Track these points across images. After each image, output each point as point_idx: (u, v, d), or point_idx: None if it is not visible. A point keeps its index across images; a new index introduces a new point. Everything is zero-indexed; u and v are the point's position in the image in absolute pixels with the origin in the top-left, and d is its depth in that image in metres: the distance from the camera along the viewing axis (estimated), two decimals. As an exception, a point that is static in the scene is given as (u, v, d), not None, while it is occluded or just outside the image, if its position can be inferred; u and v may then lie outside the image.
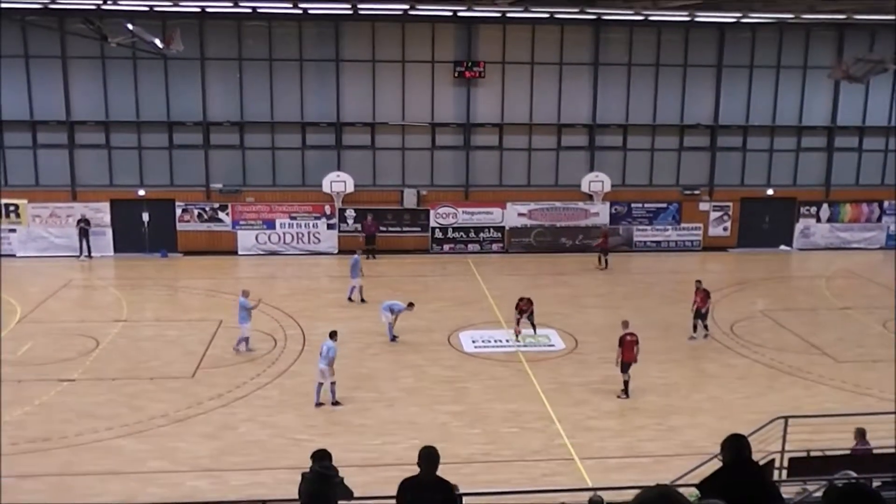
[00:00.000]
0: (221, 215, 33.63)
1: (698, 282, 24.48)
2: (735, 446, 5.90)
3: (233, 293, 27.42)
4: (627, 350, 19.64)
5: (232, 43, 32.67)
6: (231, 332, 22.83)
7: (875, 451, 13.97)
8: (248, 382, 20.15)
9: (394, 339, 23.23)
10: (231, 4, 29.40)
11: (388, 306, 23.50)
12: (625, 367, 19.62)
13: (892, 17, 27.79)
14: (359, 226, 33.82)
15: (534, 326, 23.70)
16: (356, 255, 27.87)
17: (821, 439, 13.75)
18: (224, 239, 33.57)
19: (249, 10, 30.99)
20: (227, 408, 18.75)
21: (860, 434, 13.95)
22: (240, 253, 33.56)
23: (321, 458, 11.83)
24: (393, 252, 33.39)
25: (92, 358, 21.71)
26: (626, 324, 20.16)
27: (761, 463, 13.83)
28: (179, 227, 33.54)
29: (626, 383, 19.60)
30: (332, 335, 19.29)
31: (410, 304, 23.61)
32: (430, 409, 18.78)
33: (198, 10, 30.77)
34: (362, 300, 27.17)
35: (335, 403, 18.85)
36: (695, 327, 24.02)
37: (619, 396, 19.63)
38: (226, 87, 33.06)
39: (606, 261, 32.21)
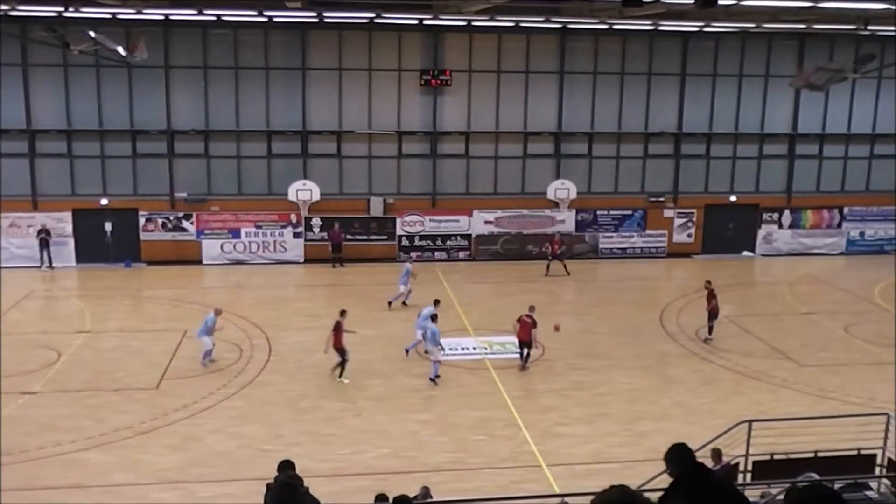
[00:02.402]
0: (186, 224, 33.33)
1: (708, 282, 25.09)
2: (680, 456, 5.61)
3: (198, 303, 27.24)
4: (522, 329, 21.62)
5: (197, 51, 32.45)
6: (197, 342, 22.56)
7: (838, 455, 14.14)
8: (213, 393, 19.96)
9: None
10: (195, 12, 29.20)
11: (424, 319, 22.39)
12: (521, 345, 21.84)
13: (851, 27, 28.30)
14: (325, 234, 33.68)
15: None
16: (408, 263, 28.89)
17: (785, 443, 13.92)
18: (189, 248, 33.26)
19: (214, 18, 30.81)
20: (193, 419, 18.55)
21: (716, 455, 13.77)
22: (205, 262, 33.26)
23: (286, 468, 11.80)
24: (360, 261, 33.29)
25: (54, 370, 21.39)
26: (531, 308, 22.12)
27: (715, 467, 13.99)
28: (143, 236, 33.18)
29: (524, 356, 21.94)
30: (433, 318, 21.86)
31: (436, 302, 23.71)
32: (399, 418, 18.74)
33: (162, 17, 30.54)
34: (404, 303, 27.57)
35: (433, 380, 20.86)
36: (710, 329, 24.51)
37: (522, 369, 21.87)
38: (191, 95, 32.82)
39: (565, 266, 32.19)
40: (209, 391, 20.04)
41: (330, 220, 33.77)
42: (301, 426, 18.28)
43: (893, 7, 19.79)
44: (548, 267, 32.27)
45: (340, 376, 20.71)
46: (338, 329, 20.86)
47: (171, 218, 33.23)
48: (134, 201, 33.00)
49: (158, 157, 33.00)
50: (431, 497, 13.37)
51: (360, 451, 16.91)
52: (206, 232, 33.45)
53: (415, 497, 13.25)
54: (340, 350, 20.82)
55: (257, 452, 16.69)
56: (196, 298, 28.10)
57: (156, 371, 21.31)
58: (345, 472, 16.04)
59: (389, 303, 27.35)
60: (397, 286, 27.57)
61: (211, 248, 33.45)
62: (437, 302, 23.58)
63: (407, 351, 23.02)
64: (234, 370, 21.57)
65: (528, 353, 22.14)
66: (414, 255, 29.65)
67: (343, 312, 21.28)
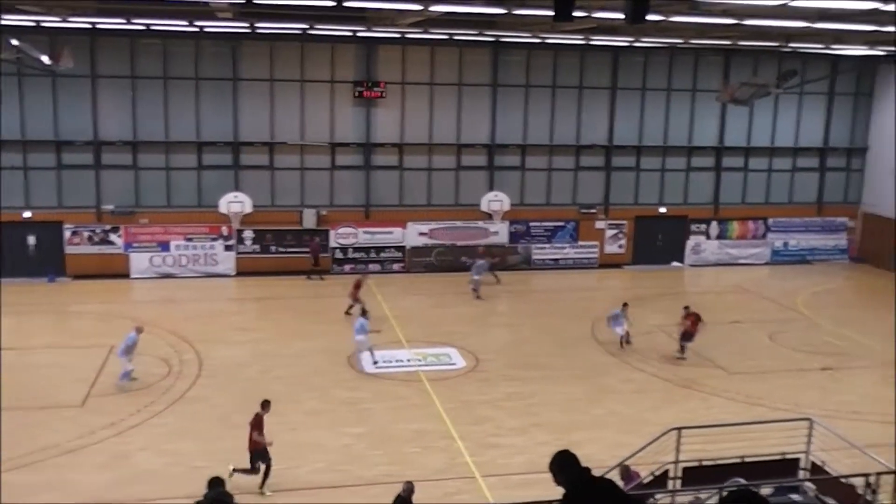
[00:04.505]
0: (113, 237, 32.58)
1: (686, 307, 24.75)
2: (567, 464, 5.53)
3: (126, 318, 26.61)
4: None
5: (125, 60, 31.82)
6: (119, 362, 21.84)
7: (764, 459, 14.47)
8: (142, 410, 19.52)
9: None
10: (123, 21, 28.62)
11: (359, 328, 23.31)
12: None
13: (773, 44, 29.13)
14: (257, 247, 33.28)
15: None
16: (481, 261, 30.77)
17: (713, 449, 14.18)
18: (116, 262, 32.49)
19: (143, 28, 30.25)
20: (122, 436, 18.12)
21: (625, 473, 14.00)
22: (133, 276, 32.53)
23: (216, 485, 11.61)
24: (294, 273, 32.94)
25: (-25, 388, 20.66)
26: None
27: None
28: (68, 249, 32.31)
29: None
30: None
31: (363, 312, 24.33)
32: (333, 432, 18.58)
33: (88, 26, 29.86)
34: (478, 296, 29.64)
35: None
36: (682, 349, 24.28)
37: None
38: (118, 105, 32.13)
39: (495, 275, 32.38)
40: (137, 408, 19.58)
41: (262, 232, 33.41)
42: (233, 441, 17.94)
43: (812, 25, 20.44)
44: (495, 276, 32.47)
45: (262, 487, 16.00)
46: (257, 425, 16.23)
47: (98, 231, 32.46)
48: (59, 214, 32.12)
49: (84, 168, 32.21)
50: (413, 493, 13.50)
51: (295, 466, 16.71)
52: (135, 245, 32.75)
53: (398, 494, 13.44)
54: (260, 453, 16.09)
55: (189, 469, 16.35)
56: (124, 313, 27.46)
57: (81, 388, 20.74)
58: (279, 487, 15.83)
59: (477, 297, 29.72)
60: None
61: (139, 261, 32.74)
62: (364, 312, 24.56)
63: (375, 362, 23.16)
64: (162, 386, 21.12)
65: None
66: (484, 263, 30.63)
67: (266, 404, 16.67)
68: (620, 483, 13.75)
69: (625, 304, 25.51)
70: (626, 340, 24.96)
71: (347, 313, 27.14)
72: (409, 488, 13.59)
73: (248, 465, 15.99)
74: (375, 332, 23.87)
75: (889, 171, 36.47)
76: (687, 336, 24.07)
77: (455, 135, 34.76)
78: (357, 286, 27.60)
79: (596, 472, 5.74)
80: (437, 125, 34.56)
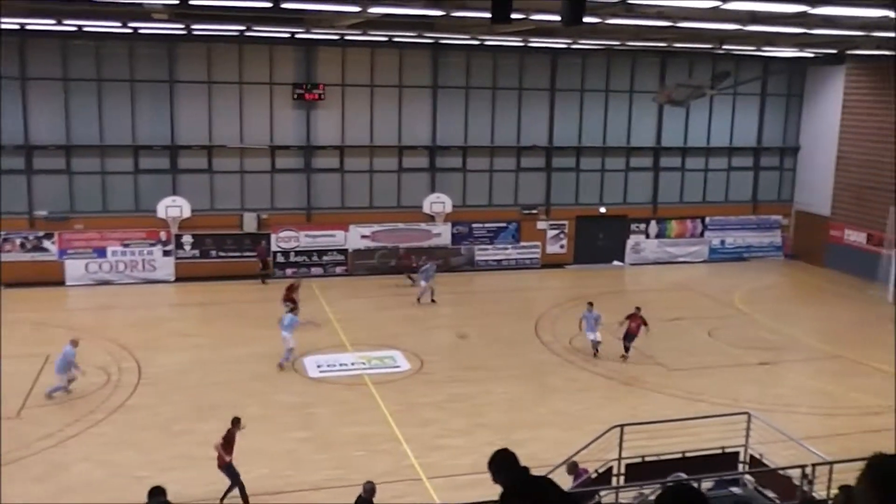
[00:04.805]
0: (47, 244, 31.79)
1: (637, 308, 24.48)
2: (505, 463, 5.54)
3: (62, 326, 26.00)
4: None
5: (56, 62, 31.09)
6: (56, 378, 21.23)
7: (705, 454, 14.74)
8: (80, 420, 19.08)
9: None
10: (54, 22, 27.96)
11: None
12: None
13: (708, 46, 29.69)
14: (194, 251, 32.82)
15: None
16: (429, 263, 30.62)
17: (655, 445, 14.40)
18: (50, 269, 31.68)
19: (75, 29, 29.58)
20: (60, 447, 17.69)
21: (572, 469, 14.23)
22: (68, 283, 31.77)
23: (157, 494, 11.42)
24: (234, 278, 32.53)
25: None
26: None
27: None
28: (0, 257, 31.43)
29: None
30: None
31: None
32: (277, 437, 18.39)
33: (17, 27, 29.07)
34: (433, 300, 29.57)
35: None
36: (626, 349, 24.25)
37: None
38: (50, 108, 31.36)
39: (411, 278, 32.45)
40: (75, 418, 19.14)
41: (201, 237, 32.94)
42: (175, 450, 17.69)
43: (744, 28, 20.89)
44: (410, 277, 32.50)
45: (223, 500, 15.51)
46: (227, 442, 15.74)
47: (31, 237, 31.65)
48: (-11, 220, 31.23)
49: (16, 173, 31.35)
50: (374, 493, 13.51)
51: (239, 473, 16.47)
52: (70, 251, 32.00)
53: (359, 495, 13.40)
54: (227, 469, 15.56)
55: (130, 480, 16.03)
56: (60, 322, 26.82)
57: (17, 399, 20.19)
58: (221, 495, 15.59)
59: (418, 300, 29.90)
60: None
61: (74, 268, 32.00)
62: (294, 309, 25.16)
63: (280, 365, 22.92)
64: (101, 395, 20.68)
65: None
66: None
67: (236, 421, 16.13)
68: (568, 479, 13.91)
69: (590, 304, 24.85)
70: (596, 349, 24.38)
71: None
72: (369, 488, 13.57)
73: (230, 488, 15.54)
74: (315, 326, 24.40)
75: (819, 170, 37.47)
76: (629, 336, 24.24)
77: (396, 137, 34.71)
78: (291, 289, 27.31)
79: (540, 471, 5.75)
80: (378, 127, 34.47)
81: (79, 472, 16.63)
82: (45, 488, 15.82)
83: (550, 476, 5.51)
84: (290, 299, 26.84)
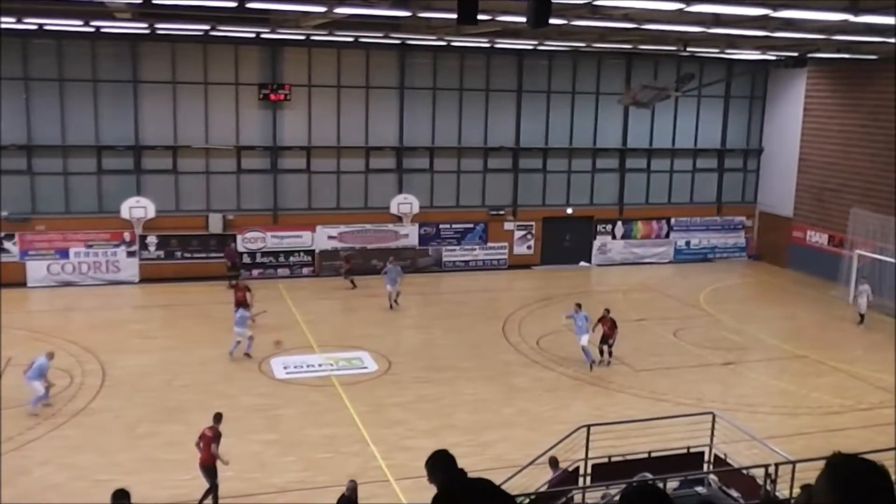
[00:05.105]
0: (7, 245, 31.29)
1: (606, 310, 24.12)
2: (442, 464, 5.55)
3: (22, 328, 25.62)
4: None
5: (17, 61, 30.62)
6: (20, 370, 20.92)
7: (670, 454, 14.87)
8: (42, 423, 18.81)
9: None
10: (14, 20, 27.53)
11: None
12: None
13: (672, 48, 29.95)
14: (160, 253, 32.49)
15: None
16: (389, 265, 29.93)
17: (621, 445, 14.49)
18: (11, 270, 31.14)
19: (36, 28, 29.15)
20: (20, 451, 17.42)
21: (554, 462, 14.41)
22: (29, 285, 31.29)
23: (121, 497, 11.29)
24: (200, 279, 32.23)
25: None
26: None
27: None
28: (-40, 258, 30.92)
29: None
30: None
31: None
32: (242, 439, 18.23)
33: (-24, 25, 28.64)
34: (396, 303, 29.38)
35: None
36: (601, 352, 23.82)
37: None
38: (11, 108, 30.87)
39: (353, 282, 32.29)
40: (37, 421, 18.87)
41: (166, 238, 32.62)
42: (138, 452, 17.50)
43: (708, 30, 21.11)
44: (352, 282, 32.32)
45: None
46: (214, 439, 15.50)
47: (-9, 238, 31.15)
48: (-52, 221, 30.69)
49: (-24, 173, 30.88)
50: (356, 491, 13.65)
51: (202, 476, 16.33)
52: (31, 253, 31.53)
53: (343, 494, 13.40)
54: (210, 470, 15.39)
55: (91, 483, 15.84)
56: (21, 324, 26.40)
57: (-24, 402, 19.84)
58: (185, 497, 15.46)
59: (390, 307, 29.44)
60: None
61: (36, 269, 31.53)
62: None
63: (247, 355, 23.39)
64: (64, 397, 20.40)
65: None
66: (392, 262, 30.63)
67: (218, 417, 15.99)
68: (548, 474, 14.01)
69: (578, 305, 24.17)
70: (592, 363, 23.40)
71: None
72: (352, 487, 13.59)
73: (209, 491, 15.23)
74: (261, 313, 25.22)
75: (782, 172, 37.95)
76: (605, 339, 23.96)
77: (363, 137, 34.62)
78: (241, 290, 26.69)
79: (507, 472, 5.79)
80: (345, 128, 34.36)
81: (40, 475, 16.40)
82: (8, 492, 15.56)
83: (516, 477, 5.53)
84: (243, 303, 26.20)
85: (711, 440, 15.29)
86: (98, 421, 19.15)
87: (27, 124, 31.07)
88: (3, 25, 28.53)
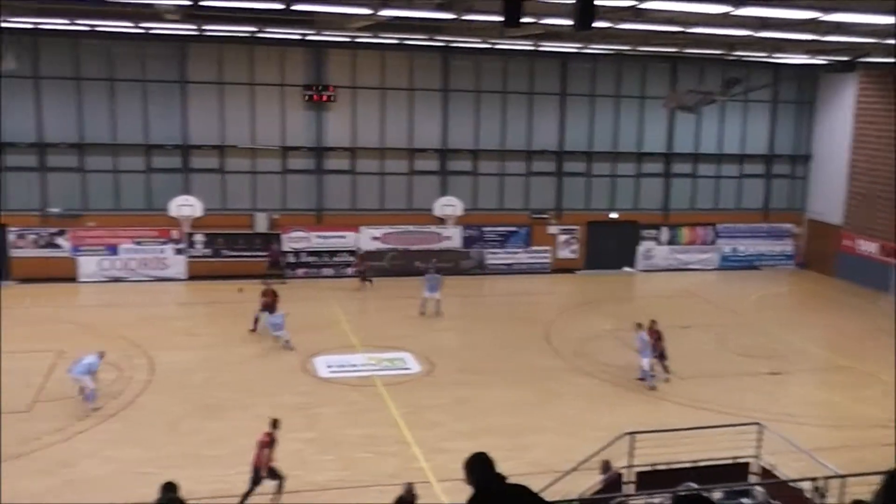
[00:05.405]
0: (60, 241, 31.99)
1: (653, 321, 23.43)
2: (480, 466, 5.54)
3: (73, 322, 26.16)
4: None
5: (69, 62, 31.29)
6: (73, 380, 21.06)
7: (716, 464, 14.64)
8: (90, 416, 19.17)
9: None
10: (67, 22, 28.12)
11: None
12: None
13: (718, 52, 29.65)
14: (208, 251, 32.92)
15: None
16: (428, 274, 29.27)
17: (665, 453, 14.33)
18: (63, 265, 31.87)
19: (87, 29, 29.75)
20: (68, 443, 17.78)
21: (606, 465, 14.29)
22: (81, 280, 31.97)
23: (169, 490, 11.45)
24: (245, 277, 32.54)
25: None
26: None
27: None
28: (13, 253, 31.65)
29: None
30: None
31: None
32: (283, 437, 18.32)
33: (31, 27, 29.27)
34: (439, 312, 28.75)
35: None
36: (665, 368, 23.08)
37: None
38: (63, 107, 31.57)
39: (370, 281, 32.63)
40: (86, 413, 19.23)
41: (213, 236, 33.07)
42: (182, 448, 17.76)
43: (755, 34, 20.86)
44: (363, 280, 32.69)
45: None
46: (268, 444, 15.69)
47: (44, 234, 31.85)
48: (2, 217, 31.42)
49: (28, 170, 31.58)
50: (414, 493, 13.70)
51: (244, 472, 16.47)
52: (82, 248, 32.18)
53: (400, 496, 13.60)
54: (271, 471, 15.56)
55: (135, 476, 16.10)
56: (71, 318, 26.94)
57: (28, 393, 20.30)
58: (228, 493, 15.64)
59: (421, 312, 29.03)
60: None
61: (87, 265, 32.19)
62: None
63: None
64: (112, 392, 20.77)
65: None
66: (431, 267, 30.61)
67: (275, 423, 16.16)
68: (591, 478, 13.95)
69: (638, 325, 22.99)
70: (648, 378, 22.29)
71: (253, 330, 26.06)
72: (409, 488, 13.65)
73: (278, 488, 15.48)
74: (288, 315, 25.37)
75: (831, 179, 37.29)
76: (659, 354, 23.15)
77: (407, 139, 34.76)
78: (270, 296, 26.45)
79: (547, 478, 5.79)
80: (389, 129, 34.53)
81: (85, 467, 16.71)
82: (51, 482, 15.90)
83: (558, 483, 5.52)
84: (270, 306, 26.07)
85: (758, 451, 15.04)
86: (142, 415, 19.46)
87: (79, 123, 31.72)
88: (57, 27, 29.19)
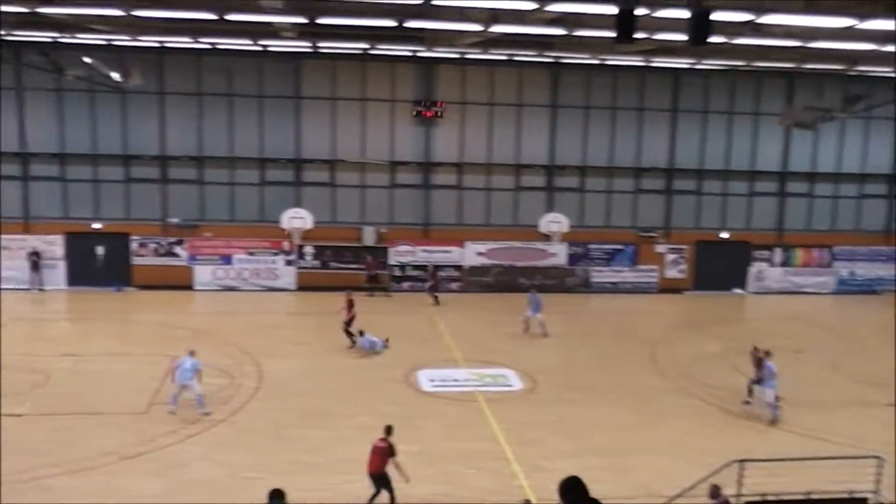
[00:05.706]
0: (178, 250, 33.33)
1: (755, 348, 22.43)
2: (575, 490, 5.60)
3: (189, 328, 27.13)
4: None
5: (191, 78, 32.65)
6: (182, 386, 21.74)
7: (830, 497, 14.04)
8: (202, 419, 19.83)
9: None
10: (190, 40, 29.38)
11: None
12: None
13: (838, 67, 28.63)
14: (318, 262, 33.65)
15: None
16: (531, 294, 28.89)
17: (775, 482, 13.84)
18: (180, 273, 33.23)
19: (209, 46, 31.00)
20: (180, 445, 18.42)
21: (716, 490, 13.61)
22: (196, 288, 33.22)
23: (276, 496, 11.69)
24: (352, 289, 33.06)
25: (41, 393, 21.22)
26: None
27: None
28: (135, 260, 33.17)
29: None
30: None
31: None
32: (385, 449, 18.58)
33: (157, 44, 30.72)
34: (544, 334, 28.15)
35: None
36: (749, 391, 22.16)
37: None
38: (184, 121, 32.97)
39: (436, 298, 32.56)
40: (197, 417, 19.90)
41: (322, 248, 33.85)
42: (287, 455, 18.15)
43: (880, 48, 20.06)
44: (435, 298, 32.67)
45: None
46: (388, 452, 15.56)
47: (164, 243, 33.25)
48: (126, 226, 33.02)
49: (151, 182, 33.09)
50: None
51: (348, 481, 16.75)
52: (198, 258, 33.45)
53: None
54: (382, 477, 15.56)
55: (242, 480, 16.55)
56: (186, 324, 27.98)
57: (144, 396, 21.15)
58: (331, 500, 15.89)
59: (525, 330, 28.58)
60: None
61: (203, 273, 33.44)
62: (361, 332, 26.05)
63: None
64: (222, 397, 21.43)
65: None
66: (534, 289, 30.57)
67: (389, 429, 16.04)
68: (709, 500, 13.57)
69: (766, 353, 21.65)
70: (773, 410, 20.94)
71: (348, 333, 26.35)
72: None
73: (390, 493, 15.56)
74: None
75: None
76: (757, 380, 21.94)
77: (514, 155, 34.81)
78: (349, 305, 26.79)
79: (655, 499, 5.73)
80: (496, 145, 34.66)
81: (196, 469, 17.25)
82: (159, 483, 16.47)
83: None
84: (350, 316, 26.45)
85: (877, 486, 14.34)
86: (252, 421, 19.98)
87: (199, 136, 33.02)
88: (181, 45, 30.51)
